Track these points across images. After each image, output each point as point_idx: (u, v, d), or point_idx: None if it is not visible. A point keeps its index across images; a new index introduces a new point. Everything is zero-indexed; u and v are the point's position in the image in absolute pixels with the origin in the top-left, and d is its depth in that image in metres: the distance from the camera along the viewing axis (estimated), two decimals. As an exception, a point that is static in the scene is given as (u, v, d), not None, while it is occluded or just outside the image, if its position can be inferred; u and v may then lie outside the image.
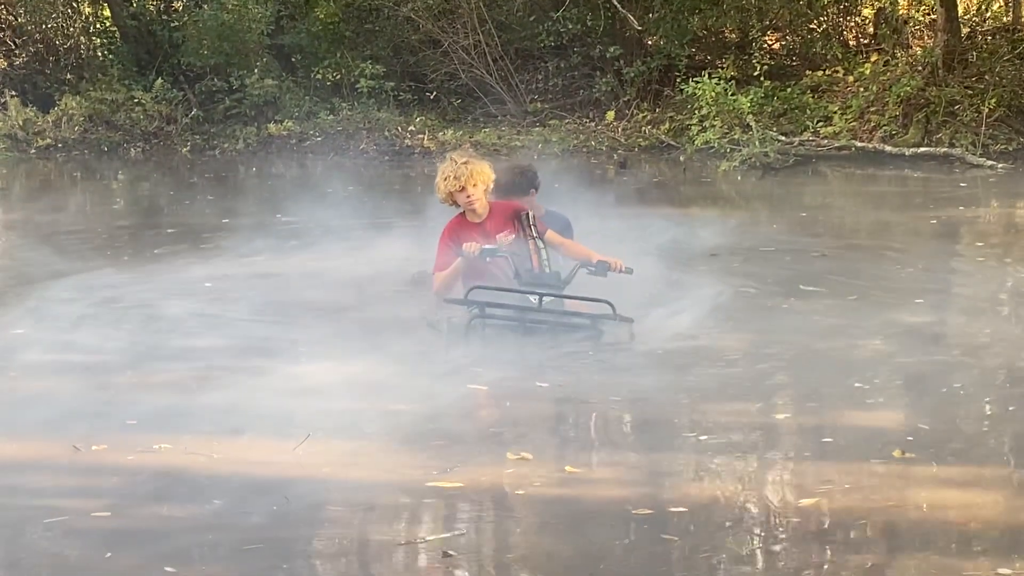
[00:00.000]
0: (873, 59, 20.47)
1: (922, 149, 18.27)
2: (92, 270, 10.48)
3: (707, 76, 19.13)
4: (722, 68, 20.15)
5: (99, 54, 23.43)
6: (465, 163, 8.22)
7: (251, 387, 6.89)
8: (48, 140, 21.02)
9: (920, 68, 19.45)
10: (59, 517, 4.99)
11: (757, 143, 18.11)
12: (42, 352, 7.73)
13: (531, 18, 22.17)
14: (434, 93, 22.32)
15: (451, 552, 4.59)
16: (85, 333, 8.22)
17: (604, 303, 7.71)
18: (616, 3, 20.79)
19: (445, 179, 8.19)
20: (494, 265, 8.09)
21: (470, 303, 7.85)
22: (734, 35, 22.24)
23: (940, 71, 19.12)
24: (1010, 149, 18.27)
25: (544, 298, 7.82)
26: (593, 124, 21.14)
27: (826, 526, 4.94)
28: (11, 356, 7.63)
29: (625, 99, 21.34)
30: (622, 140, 20.46)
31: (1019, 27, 20.29)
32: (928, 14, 21.11)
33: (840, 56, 21.09)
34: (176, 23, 22.63)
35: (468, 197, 8.16)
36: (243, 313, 8.79)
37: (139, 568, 4.56)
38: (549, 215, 8.77)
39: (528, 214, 8.25)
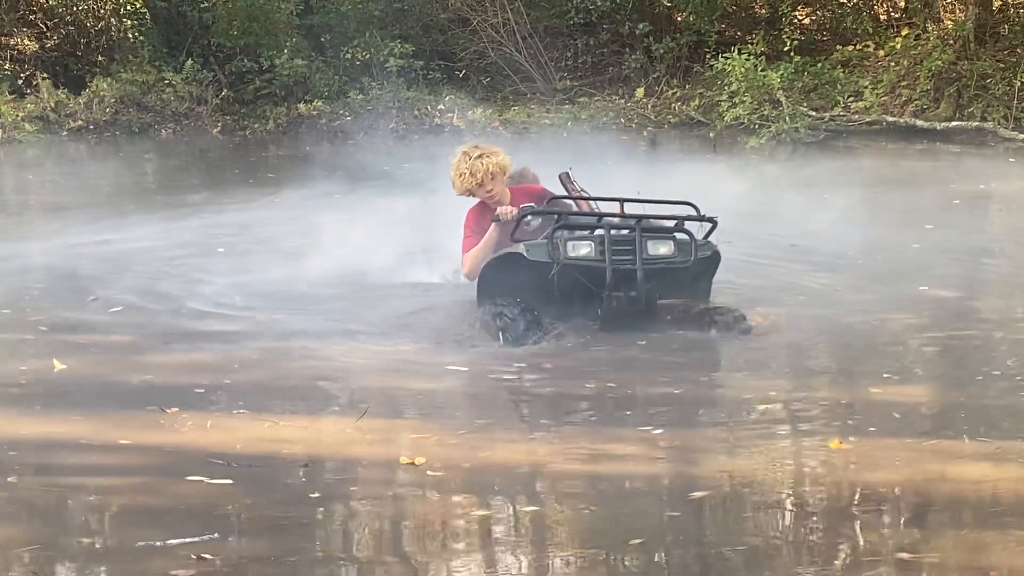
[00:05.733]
0: (904, 33, 20.34)
1: (954, 123, 18.18)
2: (133, 247, 10.60)
3: (737, 52, 19.07)
4: (752, 44, 20.07)
5: (130, 36, 23.52)
6: (479, 156, 7.75)
7: (295, 364, 6.98)
8: (80, 122, 21.12)
9: (951, 42, 19.33)
10: (109, 491, 5.05)
11: (787, 119, 18.06)
12: (87, 328, 7.85)
13: (560, -5, 22.14)
14: (463, 71, 22.31)
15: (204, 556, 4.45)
16: (131, 307, 8.36)
17: (688, 205, 7.49)
18: (645, -21, 20.75)
19: (460, 175, 7.75)
20: (534, 234, 7.67)
21: (550, 212, 7.46)
22: (764, 10, 22.14)
23: (972, 44, 18.99)
24: (1043, 122, 18.16)
25: (626, 206, 7.47)
26: (623, 101, 21.09)
27: (857, 503, 4.94)
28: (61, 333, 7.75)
29: (655, 76, 21.28)
30: (652, 117, 20.42)
31: (1052, -1, 20.14)
32: (959, -13, 20.97)
33: (871, 30, 20.96)
34: (205, 4, 22.68)
35: (488, 192, 7.78)
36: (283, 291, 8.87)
37: (176, 543, 4.59)
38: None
39: (569, 173, 7.89)
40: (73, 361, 6.95)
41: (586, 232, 7.40)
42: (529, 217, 7.57)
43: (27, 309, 8.38)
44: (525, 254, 7.33)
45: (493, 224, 7.67)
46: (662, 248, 7.35)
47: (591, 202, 7.76)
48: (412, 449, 5.51)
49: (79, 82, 22.06)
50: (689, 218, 7.40)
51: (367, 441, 5.66)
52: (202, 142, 20.59)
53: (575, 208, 7.80)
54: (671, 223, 7.46)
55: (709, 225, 7.46)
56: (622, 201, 7.49)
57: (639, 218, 7.38)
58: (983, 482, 5.07)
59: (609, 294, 7.26)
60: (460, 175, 7.77)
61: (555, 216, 7.53)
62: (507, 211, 7.57)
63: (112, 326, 7.93)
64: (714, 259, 7.55)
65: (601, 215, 7.47)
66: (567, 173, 7.96)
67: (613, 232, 7.29)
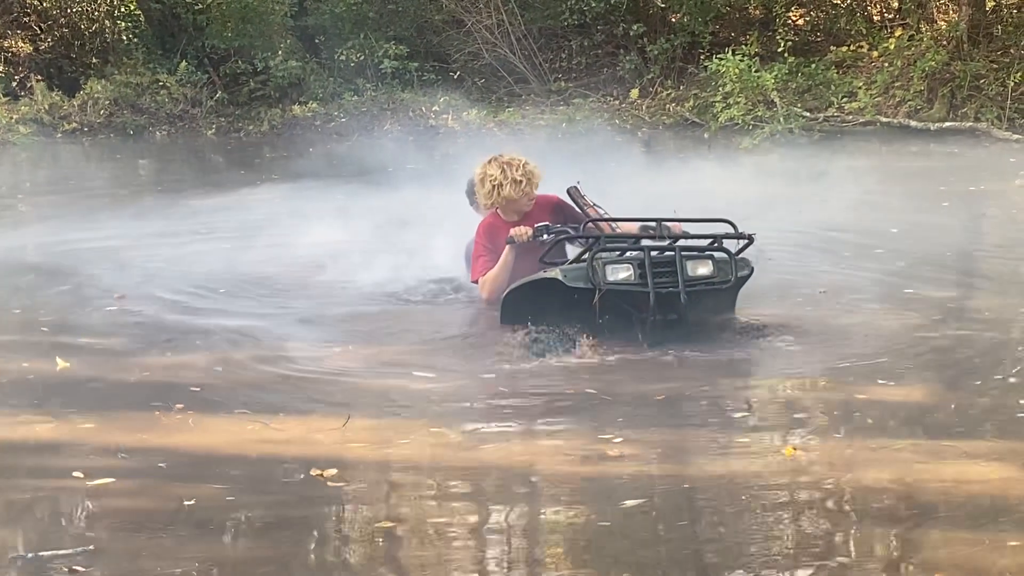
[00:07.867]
0: (898, 34, 20.38)
1: (947, 124, 18.23)
2: (129, 248, 10.62)
3: (731, 53, 19.11)
4: (746, 44, 20.11)
5: (124, 38, 23.51)
6: (526, 163, 7.49)
7: (284, 366, 6.99)
8: (74, 124, 21.14)
9: (945, 42, 19.38)
10: (106, 493, 5.06)
11: (781, 119, 18.09)
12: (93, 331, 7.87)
13: (554, -4, 22.18)
14: (458, 73, 22.34)
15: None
16: (132, 307, 8.41)
17: (725, 223, 7.31)
18: (639, -20, 20.79)
19: (513, 182, 7.40)
20: (555, 251, 7.42)
21: (587, 236, 7.24)
22: (758, 11, 22.19)
23: (965, 45, 19.05)
24: (1036, 122, 18.20)
25: (663, 223, 7.19)
26: (617, 102, 21.12)
27: (851, 501, 4.95)
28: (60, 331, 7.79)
29: (649, 77, 21.32)
30: (646, 118, 20.46)
31: (1045, 0, 20.19)
32: (953, -12, 21.03)
33: (864, 31, 21.01)
34: (200, 5, 22.70)
35: (531, 200, 7.53)
36: (266, 292, 8.91)
37: (173, 547, 4.60)
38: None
39: (578, 187, 7.69)
40: (76, 360, 6.97)
41: (624, 254, 7.21)
42: (544, 238, 7.32)
43: (27, 309, 8.42)
44: (563, 280, 7.08)
45: (508, 246, 7.42)
46: (701, 268, 7.18)
47: (602, 214, 7.57)
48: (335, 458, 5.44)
49: (73, 84, 22.07)
50: (726, 236, 7.24)
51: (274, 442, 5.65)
52: (197, 144, 20.61)
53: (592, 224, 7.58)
54: (706, 241, 7.28)
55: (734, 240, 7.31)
56: (659, 221, 7.24)
57: (675, 238, 7.20)
58: (975, 481, 5.08)
59: (653, 318, 7.07)
60: (513, 182, 7.42)
61: (574, 236, 7.38)
62: (522, 232, 7.33)
63: (114, 326, 7.95)
64: (748, 276, 7.39)
65: (638, 236, 7.25)
66: (576, 187, 7.75)
67: (653, 254, 7.09)
